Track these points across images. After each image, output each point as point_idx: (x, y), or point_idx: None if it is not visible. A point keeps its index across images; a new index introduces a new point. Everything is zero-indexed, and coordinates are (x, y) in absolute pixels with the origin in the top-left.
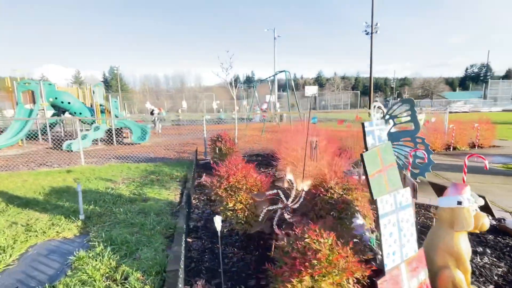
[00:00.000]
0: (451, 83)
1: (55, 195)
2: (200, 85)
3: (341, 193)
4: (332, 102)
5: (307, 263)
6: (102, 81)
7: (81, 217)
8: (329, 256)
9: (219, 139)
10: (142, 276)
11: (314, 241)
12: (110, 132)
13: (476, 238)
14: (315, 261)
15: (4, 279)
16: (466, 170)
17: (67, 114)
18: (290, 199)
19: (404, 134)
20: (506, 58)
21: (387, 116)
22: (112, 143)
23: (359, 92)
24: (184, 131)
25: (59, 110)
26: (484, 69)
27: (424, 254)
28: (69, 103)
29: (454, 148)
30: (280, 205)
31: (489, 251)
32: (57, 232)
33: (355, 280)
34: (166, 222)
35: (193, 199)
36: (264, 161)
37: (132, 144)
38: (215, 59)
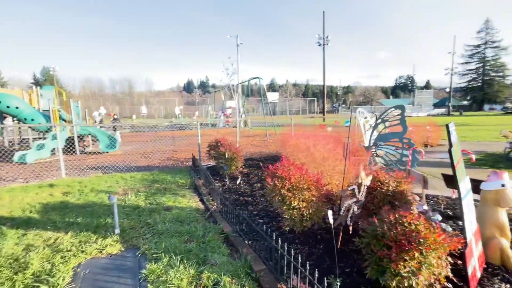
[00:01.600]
0: (385, 92)
1: (55, 212)
2: (151, 89)
3: (396, 185)
4: (288, 108)
5: (413, 243)
6: (32, 83)
7: (117, 231)
8: (433, 235)
9: (219, 145)
10: (232, 280)
11: (412, 224)
12: (70, 141)
13: None
14: (421, 239)
15: None
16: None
17: (8, 121)
18: (361, 194)
19: (393, 135)
20: (426, 71)
21: (379, 120)
22: (73, 153)
23: (315, 98)
24: (147, 138)
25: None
26: (410, 80)
27: (479, 228)
28: (17, 108)
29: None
30: (354, 199)
31: None
32: (97, 249)
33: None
34: (213, 228)
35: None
36: (271, 163)
37: (99, 153)
38: (167, 63)
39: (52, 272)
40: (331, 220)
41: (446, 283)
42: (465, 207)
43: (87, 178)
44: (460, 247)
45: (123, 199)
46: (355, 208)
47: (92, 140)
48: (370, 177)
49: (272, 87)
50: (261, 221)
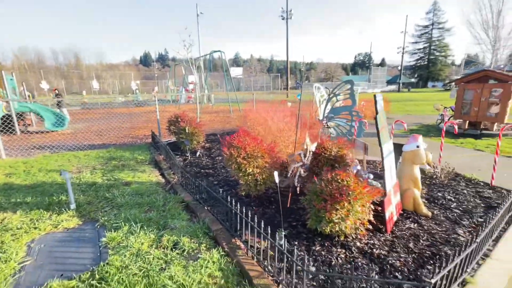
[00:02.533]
0: (345, 68)
1: None
2: (103, 62)
3: (337, 150)
4: (253, 84)
5: (344, 195)
6: None
7: (72, 206)
8: (359, 188)
9: (179, 120)
10: (191, 239)
11: (344, 180)
12: (7, 119)
13: None
14: (350, 192)
15: (31, 274)
16: (393, 132)
17: None
18: (306, 158)
19: (344, 109)
20: (383, 49)
21: (331, 94)
22: (13, 133)
23: (278, 74)
24: (101, 115)
25: None
26: (367, 57)
27: (398, 182)
28: None
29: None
30: (300, 163)
31: None
32: (51, 225)
33: (371, 201)
34: (173, 198)
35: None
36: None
37: (45, 132)
38: (119, 33)
39: (2, 249)
40: (276, 180)
41: (369, 226)
42: (386, 164)
43: (32, 158)
44: (380, 196)
45: (78, 176)
46: (302, 171)
47: (38, 119)
48: (315, 144)
49: (236, 62)
50: (221, 189)
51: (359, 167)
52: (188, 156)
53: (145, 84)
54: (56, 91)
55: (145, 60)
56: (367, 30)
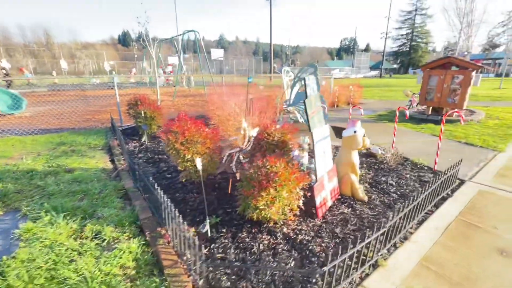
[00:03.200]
0: (331, 53)
1: None
2: (77, 41)
3: (280, 136)
4: (237, 67)
5: (270, 181)
6: None
7: None
8: (286, 174)
9: (138, 103)
10: (115, 228)
11: (273, 166)
12: None
13: None
14: (276, 179)
15: None
16: (350, 117)
17: None
18: (245, 143)
19: None
20: (368, 34)
21: (297, 78)
22: None
23: (261, 58)
24: (68, 98)
25: None
26: (352, 42)
27: (335, 168)
28: None
29: (337, 106)
30: (237, 149)
31: (364, 166)
32: None
33: (301, 187)
34: (113, 185)
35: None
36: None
37: (1, 115)
38: (95, 10)
39: None
40: (198, 166)
41: (298, 212)
42: (318, 149)
43: None
44: (310, 182)
45: (16, 163)
46: (241, 157)
47: None
48: (257, 129)
49: (221, 44)
50: (169, 176)
51: (296, 153)
52: (145, 141)
53: (124, 65)
54: (4, 70)
55: (124, 40)
56: (352, 15)
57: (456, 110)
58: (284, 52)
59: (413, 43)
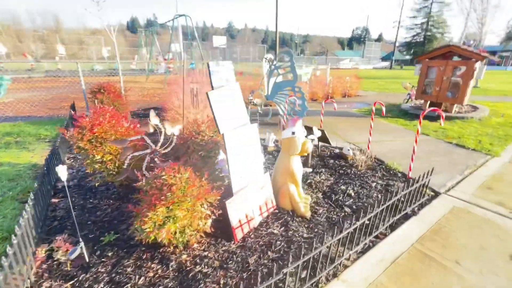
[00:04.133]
0: (342, 43)
1: None
2: (85, 26)
3: (212, 135)
4: (243, 55)
5: (162, 197)
6: None
7: None
8: (184, 188)
9: (101, 91)
10: None
11: (171, 176)
12: None
13: (320, 162)
14: (169, 194)
15: None
16: (323, 112)
17: None
18: (159, 144)
19: (287, 83)
20: (381, 23)
21: (273, 67)
22: None
23: (265, 46)
24: (60, 84)
25: None
26: (364, 32)
27: (270, 176)
28: None
29: (332, 98)
30: (148, 151)
31: (327, 170)
32: None
33: (209, 204)
34: (23, 187)
35: (68, 158)
36: (158, 114)
37: None
38: None
39: None
40: (62, 178)
41: (212, 232)
42: (234, 156)
43: None
44: (219, 196)
45: None
46: (157, 160)
47: None
48: (179, 127)
49: (229, 31)
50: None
51: (221, 157)
52: None
53: (131, 52)
54: (26, 55)
55: (132, 26)
56: (366, 3)
57: (435, 108)
58: (294, 41)
59: (428, 33)
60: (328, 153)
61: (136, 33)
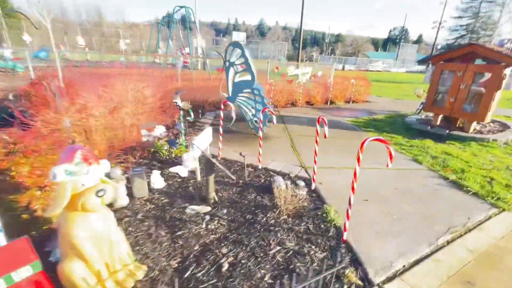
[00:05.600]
0: (376, 44)
1: None
2: (124, 20)
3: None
4: (264, 53)
5: None
6: None
7: None
8: None
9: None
10: None
11: None
12: None
13: (236, 196)
14: None
15: None
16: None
17: None
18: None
19: (245, 84)
20: (422, 24)
21: (227, 63)
22: None
23: (286, 43)
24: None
25: None
26: (403, 33)
27: (26, 245)
28: None
29: (332, 103)
30: None
31: (231, 212)
32: None
33: None
34: None
35: None
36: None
37: None
38: None
39: None
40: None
41: None
42: None
43: None
44: None
45: None
46: None
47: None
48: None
49: (260, 29)
50: None
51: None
52: None
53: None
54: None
55: (168, 21)
56: (405, 3)
57: (379, 138)
58: (324, 40)
59: (474, 35)
60: (262, 181)
61: (170, 28)
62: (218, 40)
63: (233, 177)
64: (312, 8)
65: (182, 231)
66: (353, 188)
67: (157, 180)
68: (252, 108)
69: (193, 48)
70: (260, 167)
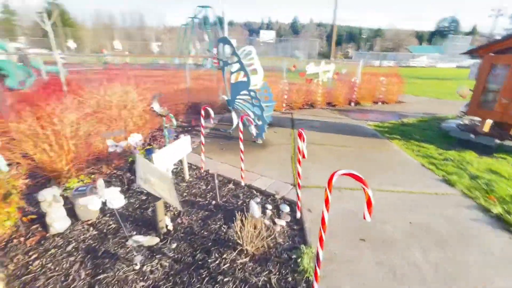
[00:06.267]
0: (420, 37)
1: None
2: (164, 24)
3: None
4: (291, 49)
5: None
6: (39, 12)
7: None
8: None
9: None
10: None
11: None
12: None
13: (194, 226)
14: None
15: None
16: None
17: None
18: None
19: (242, 86)
20: (474, 14)
21: (221, 63)
22: None
23: (318, 40)
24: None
25: None
26: (453, 24)
27: None
28: None
29: (357, 104)
30: None
31: (182, 248)
32: None
33: None
34: None
35: None
36: None
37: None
38: None
39: None
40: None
41: None
42: None
43: None
44: None
45: None
46: None
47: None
48: None
49: (293, 27)
50: None
51: None
52: None
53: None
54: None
55: (205, 24)
56: None
57: (352, 173)
58: (361, 36)
59: None
60: (239, 202)
61: (204, 30)
62: (252, 40)
63: (180, 207)
64: (350, 3)
65: (106, 274)
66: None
67: (115, 198)
68: (252, 112)
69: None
70: (243, 183)
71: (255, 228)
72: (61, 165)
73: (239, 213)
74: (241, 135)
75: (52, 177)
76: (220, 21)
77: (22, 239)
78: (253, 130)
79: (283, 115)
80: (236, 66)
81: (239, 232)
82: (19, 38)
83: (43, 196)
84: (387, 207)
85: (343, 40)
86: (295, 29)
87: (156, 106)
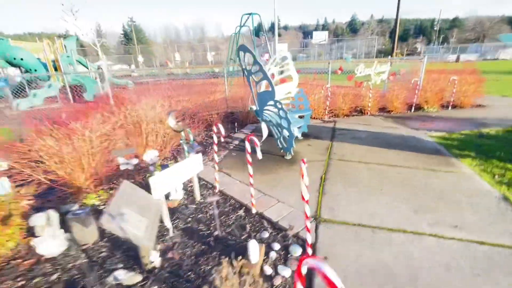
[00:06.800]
0: None
1: None
2: (223, 34)
3: None
4: (364, 50)
5: None
6: (122, 34)
7: None
8: None
9: None
10: None
11: None
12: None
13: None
14: None
15: None
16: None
17: (10, 70)
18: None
19: (268, 96)
20: None
21: (245, 72)
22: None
23: (377, 37)
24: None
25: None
26: None
27: None
28: (21, 59)
29: (419, 108)
30: None
31: None
32: None
33: None
34: None
35: None
36: None
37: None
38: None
39: None
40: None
41: None
42: None
43: None
44: None
45: None
46: None
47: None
48: None
49: (351, 26)
50: None
51: None
52: None
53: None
54: (168, 63)
55: (258, 30)
56: None
57: None
58: (433, 28)
59: None
60: (244, 236)
61: (259, 37)
62: (307, 43)
63: (151, 251)
64: None
65: None
66: None
67: (49, 241)
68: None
69: (274, 54)
70: (254, 211)
71: (242, 276)
72: (80, 181)
73: (232, 254)
74: (248, 156)
75: (71, 192)
76: (272, 27)
77: (20, 260)
78: (281, 144)
79: (325, 123)
80: (259, 75)
81: (219, 287)
82: (101, 56)
83: (33, 222)
84: (432, 262)
85: (409, 34)
86: (353, 27)
87: (171, 122)
